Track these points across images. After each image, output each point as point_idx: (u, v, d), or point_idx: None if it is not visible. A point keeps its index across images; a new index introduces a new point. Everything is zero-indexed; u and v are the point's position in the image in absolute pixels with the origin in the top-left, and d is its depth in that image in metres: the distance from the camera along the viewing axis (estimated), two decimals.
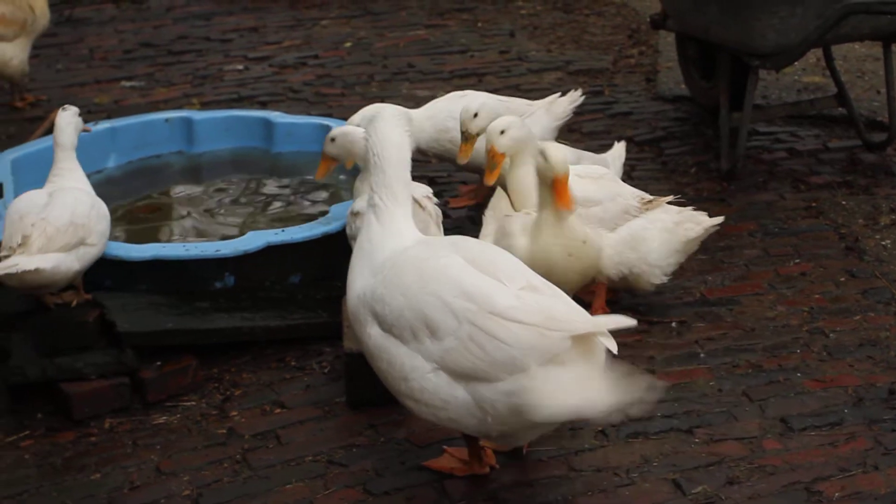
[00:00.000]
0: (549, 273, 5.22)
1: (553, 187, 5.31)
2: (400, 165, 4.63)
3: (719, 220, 5.83)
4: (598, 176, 5.82)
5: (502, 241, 5.46)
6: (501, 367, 4.27)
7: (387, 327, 4.46)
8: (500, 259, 4.51)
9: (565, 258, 5.43)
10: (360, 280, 4.62)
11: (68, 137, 5.77)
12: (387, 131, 4.64)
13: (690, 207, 5.88)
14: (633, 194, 5.80)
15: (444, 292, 4.35)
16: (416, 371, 4.40)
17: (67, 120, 5.80)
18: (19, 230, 5.34)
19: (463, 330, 4.30)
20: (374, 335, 4.51)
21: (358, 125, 6.21)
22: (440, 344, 4.34)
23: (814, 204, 6.97)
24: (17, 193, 5.96)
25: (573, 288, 5.47)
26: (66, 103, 8.39)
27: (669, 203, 5.84)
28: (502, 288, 4.35)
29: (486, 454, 4.81)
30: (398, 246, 4.57)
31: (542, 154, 5.29)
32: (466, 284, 4.35)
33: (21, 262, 5.23)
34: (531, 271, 4.52)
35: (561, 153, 5.29)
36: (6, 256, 5.30)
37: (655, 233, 5.73)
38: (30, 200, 5.55)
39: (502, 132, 5.65)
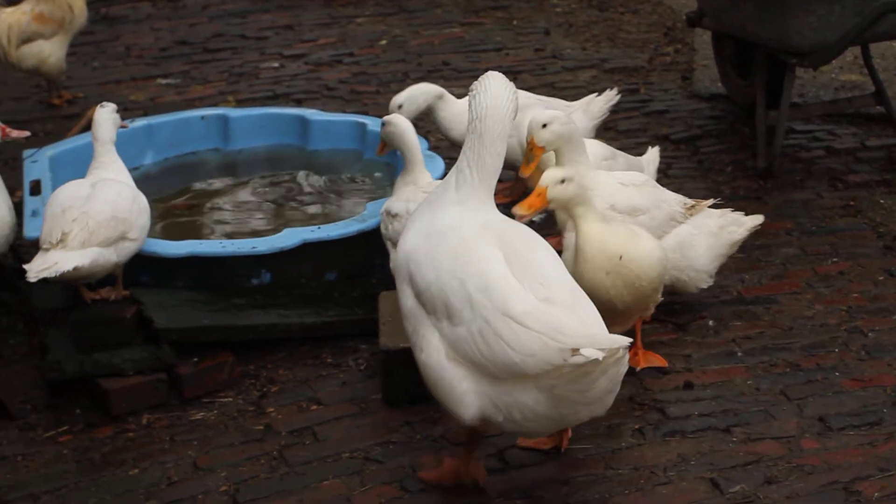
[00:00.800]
0: (594, 295, 5.00)
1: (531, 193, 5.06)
2: (498, 137, 4.48)
3: (759, 219, 5.82)
4: (640, 183, 5.76)
5: (564, 255, 5.30)
6: (502, 368, 4.25)
7: (418, 294, 4.47)
8: (537, 262, 4.43)
9: (604, 278, 5.19)
10: (413, 238, 4.58)
11: (107, 132, 5.83)
12: (497, 94, 4.49)
13: (729, 209, 5.86)
14: (676, 200, 5.77)
15: (469, 282, 4.34)
16: (431, 346, 4.42)
17: (105, 116, 5.86)
18: (59, 225, 5.37)
19: (476, 323, 4.30)
20: (408, 296, 4.52)
21: (401, 105, 6.24)
22: (454, 330, 4.35)
23: (851, 202, 6.93)
24: (54, 190, 5.99)
25: (630, 306, 5.28)
26: (103, 101, 8.44)
27: (710, 207, 5.81)
28: (522, 292, 4.30)
29: (477, 467, 4.75)
30: (458, 219, 4.50)
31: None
32: (491, 280, 4.33)
33: (60, 261, 5.25)
34: (567, 279, 4.44)
35: (553, 172, 5.08)
36: (46, 250, 5.33)
37: (702, 238, 5.71)
38: (72, 193, 5.58)
39: (544, 126, 5.59)
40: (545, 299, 4.31)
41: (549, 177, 5.05)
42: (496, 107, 4.49)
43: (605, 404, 4.37)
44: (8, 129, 6.14)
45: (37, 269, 5.23)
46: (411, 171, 5.77)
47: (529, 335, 4.20)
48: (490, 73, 4.61)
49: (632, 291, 5.24)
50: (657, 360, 5.45)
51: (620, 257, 5.19)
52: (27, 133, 6.27)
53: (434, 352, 4.40)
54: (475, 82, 4.57)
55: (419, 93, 6.65)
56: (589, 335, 4.22)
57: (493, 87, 4.52)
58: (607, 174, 5.81)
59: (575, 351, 4.13)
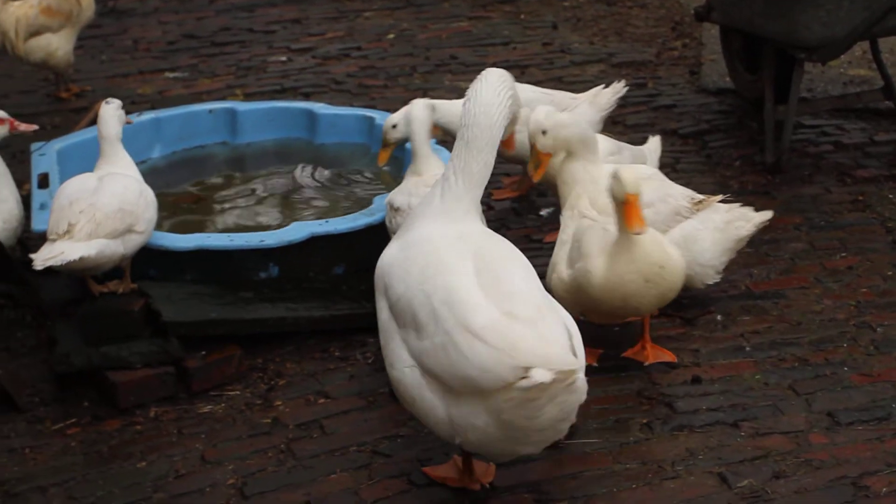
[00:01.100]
0: (625, 300, 5.17)
1: (623, 207, 5.08)
2: (487, 145, 4.43)
3: (768, 214, 5.79)
4: (646, 177, 5.76)
5: (578, 259, 5.29)
6: (461, 382, 4.20)
7: (391, 307, 4.44)
8: (507, 276, 4.35)
9: (642, 285, 5.20)
10: (390, 250, 4.57)
11: (113, 128, 5.82)
12: (487, 101, 4.42)
13: (738, 204, 5.84)
14: (683, 194, 5.75)
15: (435, 295, 4.29)
16: (400, 362, 4.39)
17: (111, 112, 5.86)
18: (66, 217, 5.38)
19: (438, 336, 4.25)
20: (383, 309, 4.50)
21: (395, 126, 6.20)
22: (420, 343, 4.31)
23: (860, 197, 6.92)
24: (62, 183, 5.99)
25: (648, 310, 5.36)
26: (110, 94, 8.46)
27: (719, 202, 5.80)
28: (484, 306, 4.24)
29: (481, 469, 4.73)
30: (435, 230, 4.46)
31: (614, 176, 5.08)
32: (455, 294, 4.27)
33: (66, 251, 5.27)
34: (535, 294, 4.34)
35: (632, 174, 5.06)
36: (52, 241, 5.33)
37: (707, 233, 5.69)
38: (80, 185, 5.59)
39: (544, 133, 5.58)
40: (507, 313, 4.23)
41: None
42: (485, 114, 4.44)
43: (557, 432, 4.31)
44: (16, 123, 6.15)
45: (43, 257, 5.24)
46: (415, 162, 5.77)
47: (486, 349, 4.14)
48: (485, 74, 4.53)
49: (660, 300, 5.31)
50: (666, 356, 5.45)
51: (662, 267, 5.22)
52: (35, 127, 6.28)
53: (406, 368, 4.36)
54: (470, 85, 4.52)
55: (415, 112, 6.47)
56: (543, 354, 4.12)
57: (484, 93, 4.46)
58: (612, 168, 5.81)
59: (526, 370, 4.07)
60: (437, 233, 4.47)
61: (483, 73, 4.55)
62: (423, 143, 5.78)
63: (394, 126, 6.20)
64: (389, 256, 4.55)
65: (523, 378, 4.06)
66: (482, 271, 4.34)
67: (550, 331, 4.24)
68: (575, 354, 4.25)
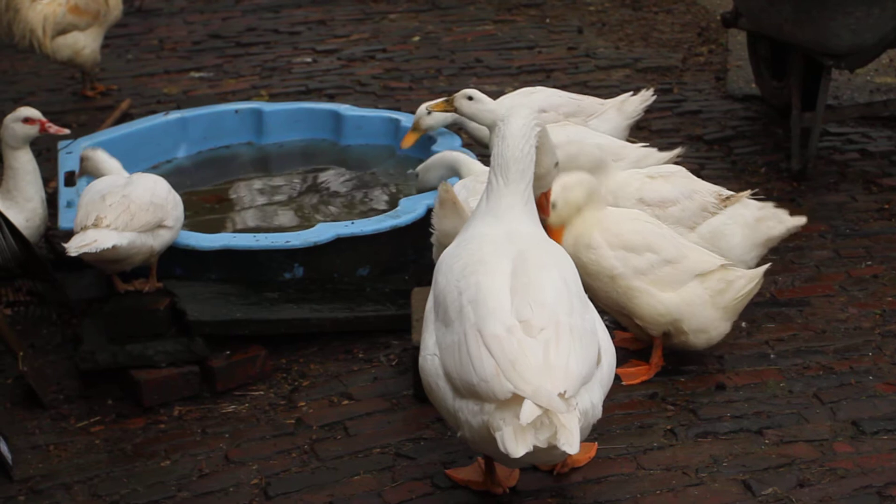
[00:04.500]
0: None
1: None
2: (524, 169, 4.51)
3: (802, 220, 5.75)
4: (669, 174, 5.75)
5: None
6: (462, 384, 4.24)
7: (434, 297, 4.51)
8: (538, 283, 4.34)
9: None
10: (453, 245, 4.63)
11: (113, 165, 5.92)
12: (514, 143, 4.51)
13: (772, 204, 5.79)
14: (709, 190, 5.73)
15: (466, 293, 4.34)
16: (426, 349, 4.45)
17: (103, 157, 5.97)
18: (96, 210, 5.41)
19: (458, 335, 4.29)
20: (429, 299, 4.58)
21: (430, 112, 6.24)
22: (444, 337, 4.36)
23: (886, 206, 6.89)
24: (88, 181, 6.02)
25: (607, 307, 5.37)
26: (136, 93, 8.52)
27: (749, 198, 5.76)
28: (504, 312, 4.25)
29: (505, 473, 4.72)
30: (485, 229, 4.51)
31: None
32: (482, 294, 4.31)
33: (100, 239, 5.29)
34: (561, 308, 4.29)
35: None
36: (84, 230, 5.35)
37: (736, 228, 5.66)
38: (110, 182, 5.66)
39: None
40: (525, 322, 4.23)
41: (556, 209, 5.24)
42: (515, 158, 4.50)
43: (553, 456, 4.28)
44: (47, 124, 6.17)
45: (77, 244, 5.27)
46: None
47: (489, 360, 4.17)
48: (509, 117, 4.56)
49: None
50: (642, 374, 5.39)
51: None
52: (67, 131, 6.30)
53: (429, 356, 4.41)
54: (499, 124, 4.56)
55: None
56: (535, 384, 4.09)
57: (510, 133, 4.52)
58: (634, 170, 5.80)
59: (516, 398, 4.06)
60: (486, 232, 4.52)
61: (505, 118, 4.59)
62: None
63: (429, 112, 6.21)
64: (446, 251, 4.64)
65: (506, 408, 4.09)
66: (519, 274, 4.36)
67: (559, 354, 4.20)
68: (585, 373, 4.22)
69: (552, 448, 4.06)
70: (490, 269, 4.38)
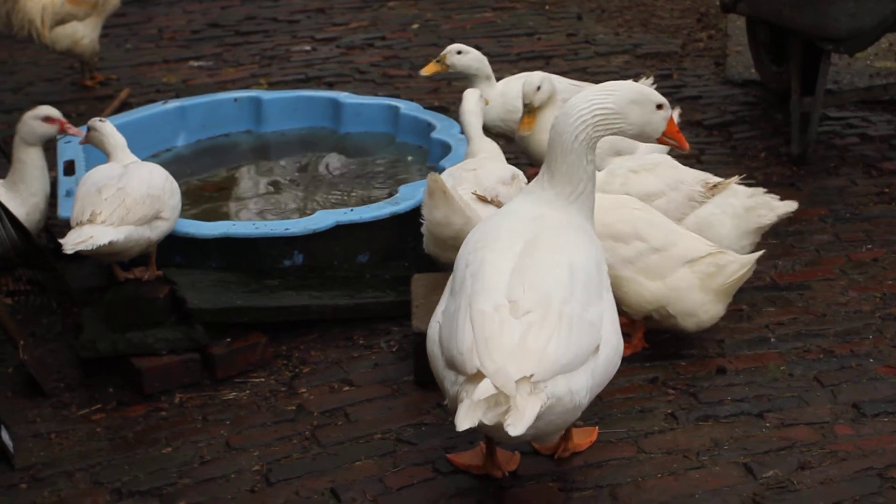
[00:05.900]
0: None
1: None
2: (571, 152, 4.46)
3: (793, 206, 5.69)
4: (654, 165, 5.70)
5: None
6: (448, 355, 4.27)
7: (455, 266, 4.56)
8: (542, 266, 4.32)
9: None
10: (488, 217, 4.71)
11: (118, 139, 5.88)
12: (566, 126, 4.44)
13: (763, 190, 5.78)
14: (696, 179, 5.68)
15: (471, 266, 4.39)
16: (436, 315, 4.49)
17: (109, 129, 5.90)
18: (91, 204, 5.39)
19: (456, 304, 4.34)
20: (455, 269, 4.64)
21: (539, 88, 6.24)
22: (448, 305, 4.42)
23: (886, 190, 6.89)
24: (87, 170, 6.01)
25: None
26: (135, 83, 8.52)
27: (738, 184, 5.72)
28: (496, 290, 4.26)
29: (505, 457, 4.73)
30: (518, 206, 4.55)
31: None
32: (484, 270, 4.33)
33: (96, 236, 5.28)
34: (557, 295, 4.26)
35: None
36: (80, 225, 5.35)
37: (725, 218, 5.61)
38: (106, 172, 5.62)
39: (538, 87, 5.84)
40: (513, 302, 4.23)
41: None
42: (564, 151, 4.47)
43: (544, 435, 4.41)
44: (66, 125, 6.17)
45: (72, 241, 5.26)
46: (469, 143, 6.02)
47: (469, 333, 4.19)
48: (564, 109, 4.51)
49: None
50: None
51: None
52: (84, 132, 6.29)
53: (434, 322, 4.47)
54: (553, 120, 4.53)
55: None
56: (498, 364, 4.07)
57: (564, 123, 4.49)
58: (620, 162, 5.79)
59: (480, 374, 4.06)
60: (516, 209, 4.55)
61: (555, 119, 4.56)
62: (470, 126, 6.00)
63: (538, 88, 6.20)
64: (480, 223, 4.70)
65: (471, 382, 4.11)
66: (525, 255, 4.37)
67: (538, 338, 4.17)
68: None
69: (499, 427, 4.02)
70: (500, 246, 4.40)
